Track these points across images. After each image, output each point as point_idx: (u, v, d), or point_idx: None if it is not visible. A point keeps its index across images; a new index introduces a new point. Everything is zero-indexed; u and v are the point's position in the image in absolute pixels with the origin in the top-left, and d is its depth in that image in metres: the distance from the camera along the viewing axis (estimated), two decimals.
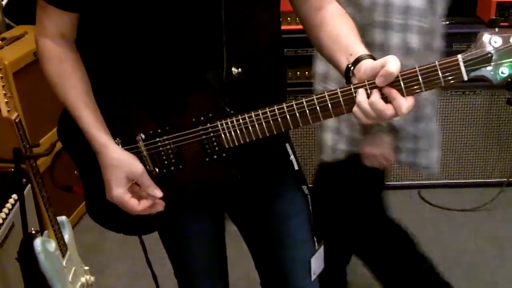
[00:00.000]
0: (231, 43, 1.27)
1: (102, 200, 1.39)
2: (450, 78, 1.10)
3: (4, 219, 2.19)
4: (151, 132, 1.33)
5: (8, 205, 2.23)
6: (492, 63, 1.11)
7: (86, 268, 2.33)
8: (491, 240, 2.98)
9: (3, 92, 1.93)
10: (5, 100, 1.92)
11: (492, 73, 1.13)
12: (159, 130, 1.32)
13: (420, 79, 1.10)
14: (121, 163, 1.31)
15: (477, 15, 3.21)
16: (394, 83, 1.11)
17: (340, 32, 1.30)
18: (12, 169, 2.16)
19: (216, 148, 1.29)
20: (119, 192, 1.31)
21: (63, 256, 2.14)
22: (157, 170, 1.35)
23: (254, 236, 1.62)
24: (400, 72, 1.10)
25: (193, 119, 1.29)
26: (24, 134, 2.01)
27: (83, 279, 2.26)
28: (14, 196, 2.25)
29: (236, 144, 1.27)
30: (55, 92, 1.36)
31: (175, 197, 1.37)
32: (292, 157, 1.53)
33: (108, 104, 1.36)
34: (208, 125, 1.28)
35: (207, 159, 1.31)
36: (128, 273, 2.85)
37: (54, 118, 2.90)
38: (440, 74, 1.09)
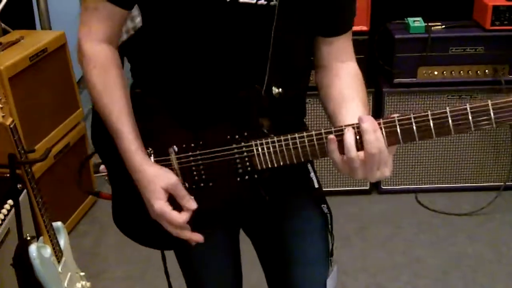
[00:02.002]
0: (275, 62, 1.25)
1: (129, 209, 1.38)
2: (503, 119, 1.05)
3: None
4: (184, 145, 1.30)
5: (4, 211, 2.22)
6: None
7: (82, 273, 2.32)
8: (488, 244, 2.98)
9: None
10: (0, 105, 1.91)
11: None
12: (192, 144, 1.29)
13: (471, 119, 1.06)
14: (155, 177, 1.29)
15: (473, 19, 3.21)
16: (440, 120, 1.08)
17: (353, 102, 1.31)
18: (8, 175, 2.15)
19: (248, 168, 1.27)
20: (159, 204, 1.28)
21: (59, 262, 2.13)
22: (187, 185, 1.32)
23: (267, 251, 1.59)
24: (450, 109, 1.07)
25: (228, 136, 1.26)
26: (19, 140, 2.01)
27: (78, 285, 2.25)
28: (10, 201, 2.24)
29: (270, 166, 1.24)
30: (95, 100, 1.33)
31: (203, 215, 1.34)
32: (312, 174, 1.50)
33: (145, 112, 1.34)
34: (243, 144, 1.25)
35: (238, 179, 1.28)
36: (124, 278, 2.84)
37: (50, 123, 2.94)
38: (492, 115, 1.05)
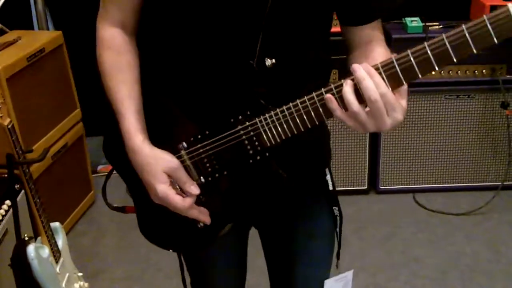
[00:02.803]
0: (268, 33, 1.22)
1: (154, 216, 1.37)
2: (503, 33, 0.99)
3: None
4: (191, 139, 1.28)
5: (1, 211, 2.22)
6: None
7: (80, 274, 2.32)
8: (486, 243, 2.98)
9: None
10: None
11: None
12: (199, 136, 1.27)
13: (469, 39, 1.01)
14: (156, 159, 1.27)
15: (470, 19, 3.20)
16: (440, 47, 1.03)
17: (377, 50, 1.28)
18: (5, 175, 2.15)
19: (258, 148, 1.22)
20: (162, 187, 1.26)
21: (57, 262, 2.13)
22: (202, 179, 1.29)
23: (273, 248, 1.59)
24: (445, 34, 1.02)
25: (232, 119, 1.23)
26: (17, 140, 2.01)
27: (76, 285, 2.25)
28: (8, 202, 2.24)
29: (278, 140, 1.21)
30: (104, 82, 1.33)
31: (223, 209, 1.32)
32: (328, 176, 1.49)
33: (151, 114, 1.33)
34: (247, 123, 1.21)
35: (251, 161, 1.25)
36: (123, 278, 2.84)
37: (48, 123, 2.94)
38: (490, 29, 0.99)
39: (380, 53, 1.27)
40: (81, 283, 2.29)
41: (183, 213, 1.29)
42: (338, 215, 1.50)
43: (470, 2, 3.24)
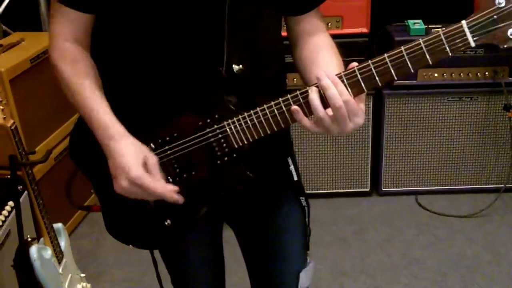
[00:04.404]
0: (232, 41, 1.26)
1: (121, 215, 1.39)
2: (457, 46, 1.11)
3: (0, 226, 2.18)
4: (160, 141, 1.32)
5: (5, 212, 2.23)
6: (499, 25, 1.09)
7: (83, 275, 2.33)
8: (487, 246, 2.98)
9: None
10: (1, 107, 1.92)
11: (499, 36, 1.10)
12: (168, 138, 1.31)
13: (425, 51, 1.11)
14: (140, 147, 1.28)
15: None
16: (398, 58, 1.13)
17: (327, 66, 1.32)
18: (8, 176, 2.16)
19: (226, 149, 1.28)
20: (140, 171, 1.25)
21: (59, 263, 2.13)
22: (170, 179, 1.33)
23: (248, 246, 1.62)
24: (404, 47, 1.12)
25: (200, 123, 1.28)
26: (20, 142, 2.01)
27: (79, 286, 2.26)
28: (11, 203, 2.25)
29: (245, 142, 1.26)
30: (65, 92, 1.33)
31: (191, 207, 1.35)
32: (292, 167, 1.52)
33: (119, 118, 1.33)
34: (215, 126, 1.27)
35: (219, 162, 1.29)
36: (124, 279, 2.85)
37: (51, 125, 2.95)
38: (445, 43, 1.11)
39: (326, 56, 1.34)
40: (84, 284, 2.30)
41: (155, 196, 1.28)
42: (306, 205, 1.53)
43: (473, 4, 3.23)
